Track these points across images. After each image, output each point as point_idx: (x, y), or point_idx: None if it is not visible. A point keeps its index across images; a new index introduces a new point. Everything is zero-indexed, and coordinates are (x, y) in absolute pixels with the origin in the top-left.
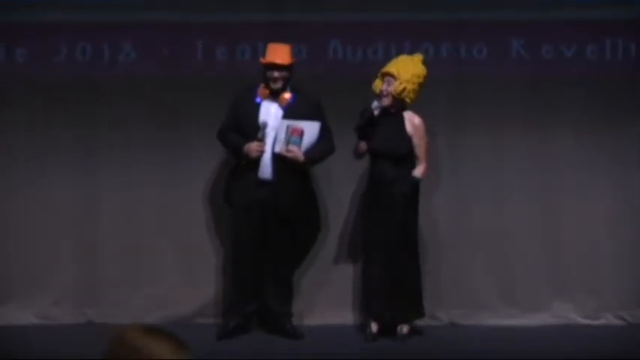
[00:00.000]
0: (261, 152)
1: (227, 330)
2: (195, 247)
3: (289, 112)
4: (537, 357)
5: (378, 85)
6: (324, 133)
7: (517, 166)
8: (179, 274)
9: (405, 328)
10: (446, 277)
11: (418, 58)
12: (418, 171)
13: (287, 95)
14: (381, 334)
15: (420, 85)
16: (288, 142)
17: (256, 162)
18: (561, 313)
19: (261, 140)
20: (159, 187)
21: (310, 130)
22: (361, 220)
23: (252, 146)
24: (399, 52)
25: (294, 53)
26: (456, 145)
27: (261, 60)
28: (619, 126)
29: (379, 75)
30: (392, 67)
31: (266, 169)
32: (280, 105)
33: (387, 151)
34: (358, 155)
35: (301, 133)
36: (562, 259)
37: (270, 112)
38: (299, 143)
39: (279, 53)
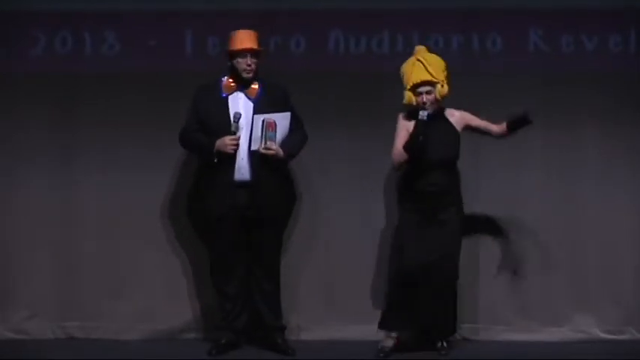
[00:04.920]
0: (237, 146)
1: (218, 347)
2: (181, 256)
3: (260, 104)
4: None
5: (410, 98)
6: (296, 123)
7: (534, 172)
8: (165, 285)
9: (444, 343)
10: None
11: (423, 50)
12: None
13: (255, 86)
14: (397, 350)
15: (447, 76)
16: (264, 138)
17: (230, 162)
18: (582, 327)
19: (235, 133)
20: (144, 192)
21: (282, 122)
22: (400, 234)
23: (226, 140)
24: (406, 44)
25: (292, 45)
26: (468, 147)
27: (232, 48)
28: None
29: (408, 88)
30: (423, 74)
31: (243, 170)
32: (249, 97)
33: (440, 158)
34: (399, 167)
35: (275, 127)
36: (583, 270)
37: (239, 106)
38: (274, 138)
39: (249, 39)
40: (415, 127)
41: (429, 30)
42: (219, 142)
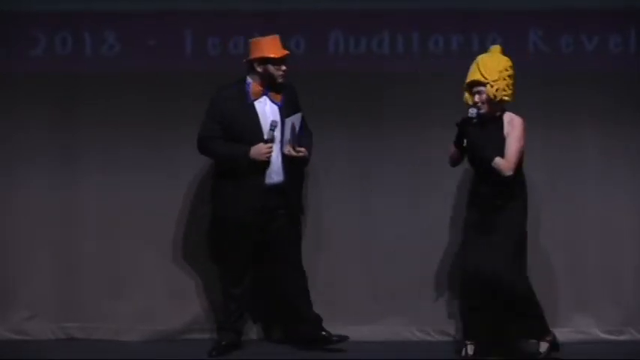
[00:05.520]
0: (271, 154)
1: (219, 348)
2: (181, 257)
3: (285, 108)
4: None
5: (468, 98)
6: (305, 122)
7: (536, 171)
8: (165, 286)
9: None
10: (456, 290)
11: (495, 50)
12: (500, 160)
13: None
14: (477, 355)
15: (510, 76)
16: (292, 140)
17: (260, 167)
18: (582, 327)
19: (271, 141)
20: (144, 192)
21: (297, 122)
22: (463, 232)
23: (263, 149)
24: (406, 44)
25: (292, 45)
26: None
27: (265, 55)
28: None
29: (464, 87)
30: (475, 74)
31: (274, 174)
32: (274, 101)
33: (481, 159)
34: (453, 163)
35: (295, 128)
36: (583, 270)
37: (266, 111)
38: (297, 139)
39: (280, 45)
40: (463, 124)
41: (429, 30)
42: (254, 151)
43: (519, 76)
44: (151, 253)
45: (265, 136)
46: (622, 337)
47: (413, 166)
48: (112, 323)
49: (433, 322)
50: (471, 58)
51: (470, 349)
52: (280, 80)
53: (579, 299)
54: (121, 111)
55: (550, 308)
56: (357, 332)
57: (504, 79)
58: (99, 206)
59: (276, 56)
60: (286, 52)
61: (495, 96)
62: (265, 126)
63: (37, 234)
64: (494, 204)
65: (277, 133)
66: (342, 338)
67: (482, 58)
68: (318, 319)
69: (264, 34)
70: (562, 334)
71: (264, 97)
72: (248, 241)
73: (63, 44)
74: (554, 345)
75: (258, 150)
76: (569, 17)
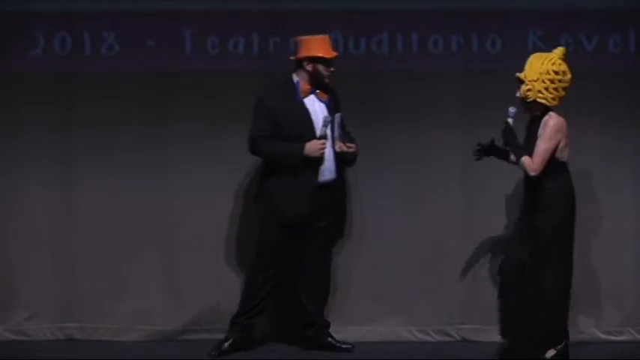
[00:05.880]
0: (324, 151)
1: (220, 348)
2: (181, 257)
3: (330, 106)
4: None
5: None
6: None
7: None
8: (164, 287)
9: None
10: (457, 292)
11: (555, 53)
12: (525, 159)
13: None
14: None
15: (552, 81)
16: (341, 137)
17: (314, 165)
18: (582, 328)
19: (324, 138)
20: (143, 193)
21: (340, 120)
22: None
23: (317, 145)
24: (405, 44)
25: (291, 46)
26: (466, 149)
27: (316, 55)
28: None
29: (516, 81)
30: (523, 71)
31: (327, 171)
32: (321, 99)
33: (517, 159)
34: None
35: (343, 126)
36: (583, 271)
37: (316, 109)
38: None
39: (330, 46)
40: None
41: (429, 30)
42: (308, 147)
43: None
44: (150, 254)
45: (318, 133)
46: (622, 338)
47: (410, 166)
48: (111, 324)
49: (433, 322)
50: (471, 58)
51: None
52: (327, 80)
53: (579, 300)
54: (120, 111)
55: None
56: (357, 333)
57: (543, 82)
58: (98, 207)
59: (327, 56)
60: (336, 53)
61: (527, 96)
62: (316, 123)
63: (36, 235)
64: (531, 205)
65: (328, 131)
66: (347, 348)
67: (533, 57)
68: (326, 325)
69: (262, 34)
70: None
71: (312, 95)
72: (293, 239)
73: (62, 44)
74: (563, 354)
75: (312, 146)
76: (568, 17)
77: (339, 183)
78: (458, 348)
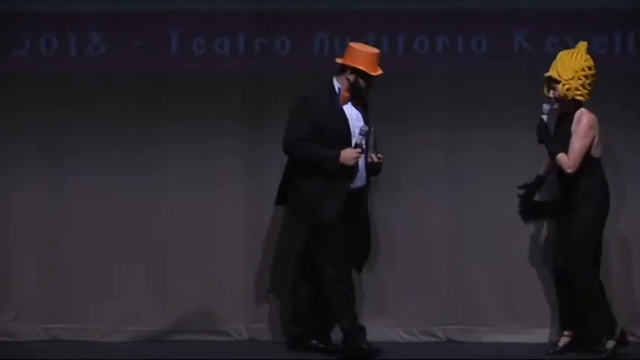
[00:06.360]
0: (358, 160)
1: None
2: (167, 259)
3: (366, 115)
4: None
5: (546, 91)
6: None
7: (522, 172)
8: (151, 287)
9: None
10: (442, 291)
11: (579, 49)
12: (562, 156)
13: None
14: (569, 349)
15: (587, 76)
16: (373, 147)
17: (349, 171)
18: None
19: (360, 147)
20: (131, 193)
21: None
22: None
23: (353, 154)
24: (391, 45)
25: (277, 46)
26: (452, 149)
27: (367, 71)
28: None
29: (544, 80)
30: (552, 70)
31: (360, 179)
32: (357, 108)
33: (551, 153)
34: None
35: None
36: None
37: (352, 117)
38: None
39: (377, 63)
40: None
41: (415, 31)
42: (344, 155)
43: (506, 74)
44: (137, 255)
45: (355, 141)
46: None
47: (397, 166)
48: (98, 325)
49: (419, 323)
50: (456, 59)
51: (562, 342)
52: (365, 94)
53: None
54: (107, 112)
55: (533, 310)
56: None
57: (579, 79)
58: (85, 208)
59: (373, 74)
60: (381, 71)
61: (567, 95)
62: (352, 131)
63: (23, 235)
64: (567, 202)
65: (363, 140)
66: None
67: (562, 55)
68: (327, 329)
69: (248, 34)
70: (545, 335)
71: (350, 102)
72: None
73: (48, 45)
74: (621, 342)
75: (348, 154)
76: (554, 18)
77: (367, 190)
78: (444, 349)
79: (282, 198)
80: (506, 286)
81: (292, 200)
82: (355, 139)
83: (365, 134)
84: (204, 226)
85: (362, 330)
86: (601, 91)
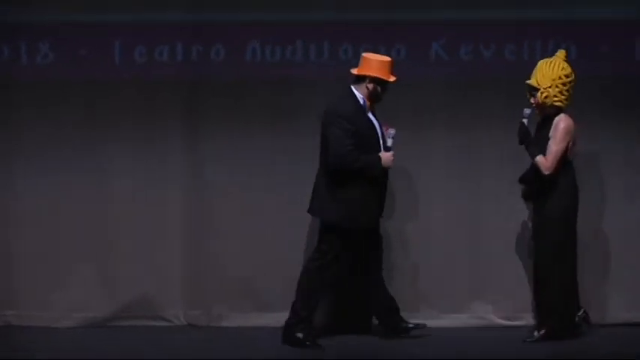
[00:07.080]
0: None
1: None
2: (116, 247)
3: (380, 122)
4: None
5: (529, 98)
6: None
7: (440, 168)
8: (99, 275)
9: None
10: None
11: (557, 57)
12: (540, 159)
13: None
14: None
15: (564, 84)
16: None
17: (383, 175)
18: (480, 314)
19: (391, 150)
20: (78, 189)
21: None
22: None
23: (390, 157)
24: (318, 53)
25: (213, 55)
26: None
27: (387, 78)
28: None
29: (526, 88)
30: (532, 78)
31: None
32: (375, 116)
33: (530, 155)
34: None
35: None
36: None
37: (375, 124)
38: None
39: (392, 70)
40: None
41: (340, 40)
42: (384, 159)
43: (423, 82)
44: (85, 245)
45: (387, 144)
46: (517, 323)
47: None
48: (48, 311)
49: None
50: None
51: (537, 332)
52: (378, 101)
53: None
54: (55, 116)
55: (451, 296)
56: (269, 319)
57: (557, 87)
58: (36, 206)
59: (389, 80)
60: (395, 77)
61: (545, 102)
62: (379, 136)
63: None
64: (540, 201)
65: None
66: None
67: (541, 64)
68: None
69: (187, 44)
70: (461, 320)
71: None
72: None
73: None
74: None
75: (387, 158)
76: (469, 28)
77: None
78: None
79: (318, 210)
80: (425, 271)
81: (337, 209)
82: (386, 142)
83: (394, 137)
84: (146, 221)
85: (310, 323)
86: (510, 94)
